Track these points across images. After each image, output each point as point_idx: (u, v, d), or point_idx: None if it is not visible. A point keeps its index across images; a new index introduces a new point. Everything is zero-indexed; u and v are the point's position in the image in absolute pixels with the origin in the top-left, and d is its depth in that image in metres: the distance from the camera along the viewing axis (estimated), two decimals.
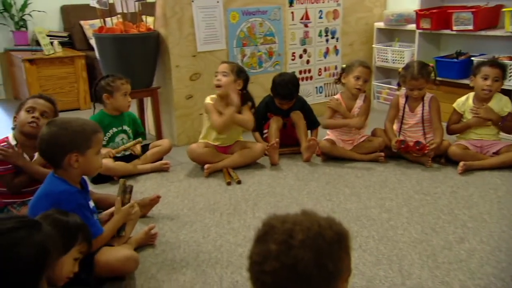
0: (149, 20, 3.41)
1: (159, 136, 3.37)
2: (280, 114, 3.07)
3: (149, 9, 3.46)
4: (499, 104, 2.72)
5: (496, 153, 2.71)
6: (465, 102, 2.82)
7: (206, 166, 2.76)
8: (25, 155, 2.14)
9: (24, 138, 2.13)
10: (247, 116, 2.82)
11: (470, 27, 3.33)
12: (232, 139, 2.90)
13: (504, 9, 3.21)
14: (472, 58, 3.34)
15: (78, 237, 1.54)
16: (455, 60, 3.46)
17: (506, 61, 3.15)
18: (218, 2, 3.32)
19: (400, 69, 2.92)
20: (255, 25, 3.52)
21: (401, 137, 2.85)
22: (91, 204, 1.81)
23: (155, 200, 2.27)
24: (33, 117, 2.11)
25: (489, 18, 3.36)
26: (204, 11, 3.27)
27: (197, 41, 3.27)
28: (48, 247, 0.95)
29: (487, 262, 1.76)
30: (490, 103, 2.72)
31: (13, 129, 2.20)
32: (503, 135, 2.95)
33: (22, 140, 2.14)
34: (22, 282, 0.89)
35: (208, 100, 2.84)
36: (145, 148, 2.92)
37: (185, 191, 2.57)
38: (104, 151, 2.62)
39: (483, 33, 3.32)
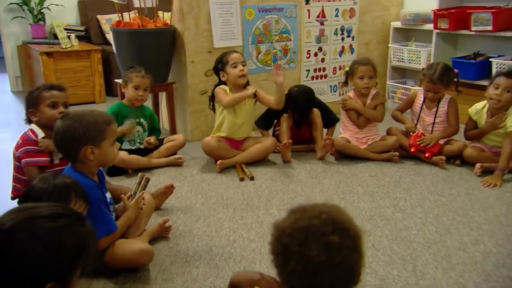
0: (166, 15, 3.43)
1: (173, 131, 3.38)
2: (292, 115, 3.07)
3: (166, 5, 3.48)
4: None
5: None
6: (479, 111, 2.72)
7: (218, 162, 2.77)
8: None
9: (48, 131, 2.15)
10: (269, 96, 2.85)
11: (489, 28, 3.29)
12: (244, 132, 2.91)
13: None
14: (490, 60, 3.30)
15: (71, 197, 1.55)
16: (473, 61, 3.42)
17: None
18: None
19: (424, 67, 2.90)
20: (271, 22, 3.52)
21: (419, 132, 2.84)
22: (108, 195, 1.83)
23: (169, 189, 2.29)
24: (60, 112, 2.13)
25: (509, 19, 3.32)
26: (220, 7, 3.28)
27: (213, 37, 3.28)
28: (88, 241, 0.96)
29: (503, 265, 1.74)
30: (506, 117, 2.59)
31: (29, 122, 2.21)
32: None
33: (46, 133, 2.17)
34: (59, 269, 0.90)
35: (219, 87, 2.84)
36: (159, 143, 2.94)
37: (199, 185, 2.58)
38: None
39: (502, 34, 3.28)
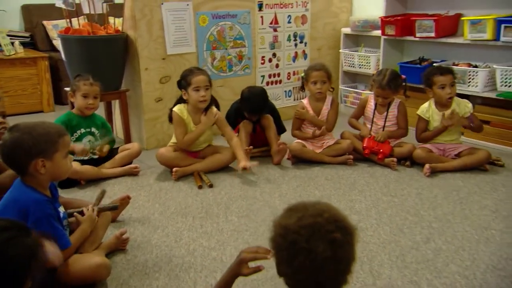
0: (117, 21, 3.36)
1: (127, 139, 3.31)
2: (249, 119, 3.09)
3: (116, 11, 3.41)
4: (460, 107, 2.83)
5: (458, 155, 2.82)
6: (428, 109, 2.89)
7: (174, 169, 2.73)
8: None
9: None
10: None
11: (432, 34, 3.46)
12: (203, 143, 2.89)
13: (462, 18, 3.36)
14: (434, 64, 3.47)
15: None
16: (418, 66, 3.58)
17: (464, 67, 3.30)
18: (188, 5, 3.31)
19: (373, 72, 3.01)
20: (225, 29, 3.53)
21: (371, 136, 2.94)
22: (61, 210, 1.77)
23: (125, 200, 2.24)
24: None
25: (449, 26, 3.51)
26: (173, 14, 3.25)
27: (166, 43, 3.25)
28: (35, 251, 0.94)
29: (452, 261, 1.84)
30: (452, 108, 2.83)
31: None
32: (463, 138, 3.08)
33: None
34: (7, 282, 0.89)
35: (176, 109, 2.77)
36: (114, 152, 2.87)
37: (156, 195, 2.54)
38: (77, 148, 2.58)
39: (443, 40, 3.46)
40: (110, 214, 2.06)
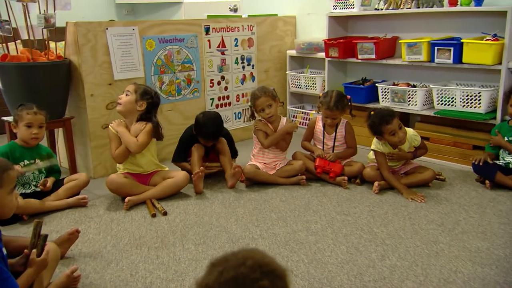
0: (59, 45, 3.23)
1: (73, 169, 3.17)
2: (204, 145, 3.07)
3: (57, 35, 3.29)
4: (409, 141, 2.85)
5: (406, 173, 2.95)
6: (379, 143, 2.84)
7: (126, 199, 2.65)
8: None
9: None
10: (132, 139, 2.71)
11: (373, 56, 3.64)
12: (149, 166, 2.83)
13: (400, 41, 3.56)
14: (376, 84, 3.65)
15: None
16: (362, 86, 3.74)
17: (404, 87, 3.48)
18: (133, 29, 3.26)
19: (320, 94, 3.09)
20: (172, 53, 3.51)
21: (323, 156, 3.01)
22: (4, 251, 1.64)
23: (74, 235, 2.13)
24: None
25: (388, 49, 3.71)
26: (119, 39, 3.19)
27: (113, 69, 3.17)
28: None
29: (407, 277, 1.90)
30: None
31: None
32: None
33: None
34: None
35: (111, 126, 2.79)
36: (59, 183, 2.73)
37: (107, 226, 2.44)
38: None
39: (384, 61, 3.65)
40: (59, 251, 1.95)
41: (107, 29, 3.12)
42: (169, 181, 2.80)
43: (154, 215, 2.55)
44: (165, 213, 2.57)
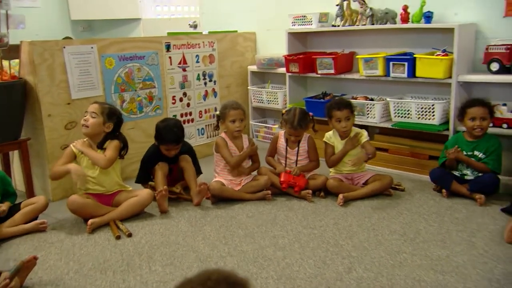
0: (13, 63, 3.12)
1: (30, 192, 3.05)
2: (167, 161, 3.03)
3: (11, 53, 3.17)
4: (355, 131, 3.07)
5: (365, 183, 3.04)
6: (332, 136, 3.12)
7: (89, 221, 2.57)
8: None
9: None
10: (100, 155, 2.69)
11: (332, 71, 3.74)
12: (112, 185, 2.77)
13: (357, 56, 3.69)
14: (336, 97, 3.74)
15: None
16: (322, 100, 3.83)
17: (362, 101, 3.60)
18: (92, 47, 3.20)
19: (283, 111, 3.15)
20: (133, 70, 3.47)
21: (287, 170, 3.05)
22: None
23: (31, 262, 2.04)
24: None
25: (346, 64, 3.82)
26: (77, 57, 3.12)
27: (70, 88, 3.10)
28: None
29: None
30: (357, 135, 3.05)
31: None
32: (368, 166, 3.32)
33: None
34: None
35: (73, 144, 2.73)
36: (15, 208, 2.61)
37: (69, 251, 2.36)
38: None
39: (342, 76, 3.76)
40: (18, 281, 1.87)
41: (64, 47, 3.05)
42: (133, 199, 2.75)
43: (118, 237, 2.49)
44: (129, 235, 2.51)
